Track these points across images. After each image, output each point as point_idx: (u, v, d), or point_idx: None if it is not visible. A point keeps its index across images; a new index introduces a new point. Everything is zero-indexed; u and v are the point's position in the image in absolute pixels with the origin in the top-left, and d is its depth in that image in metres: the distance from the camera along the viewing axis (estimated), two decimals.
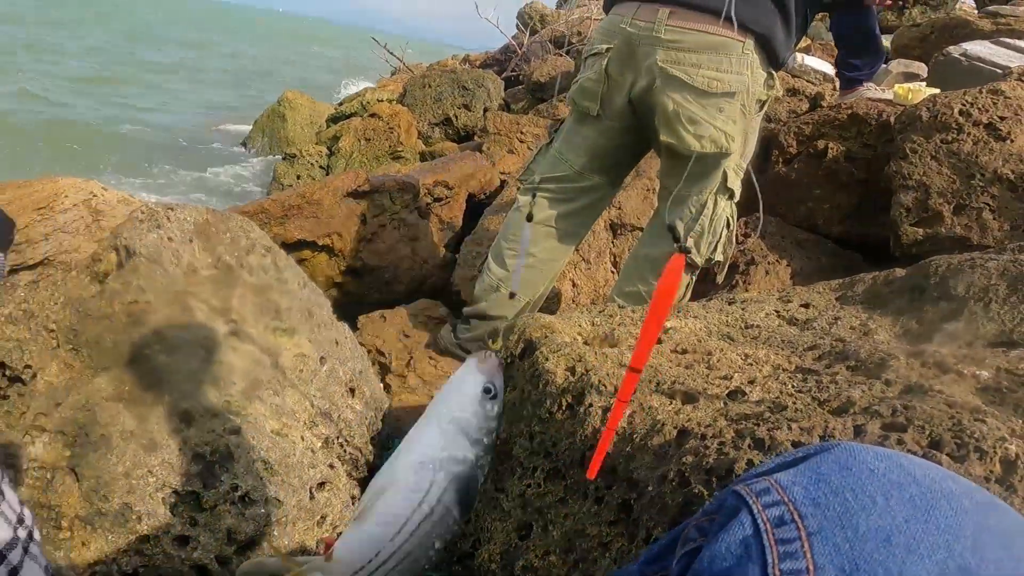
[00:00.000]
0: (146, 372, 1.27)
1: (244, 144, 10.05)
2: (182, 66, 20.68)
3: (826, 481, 0.49)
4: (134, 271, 1.36)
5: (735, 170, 2.08)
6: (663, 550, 0.59)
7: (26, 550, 0.66)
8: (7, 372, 1.28)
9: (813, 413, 0.81)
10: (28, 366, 1.28)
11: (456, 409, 0.84)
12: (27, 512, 0.70)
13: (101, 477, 1.19)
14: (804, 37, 2.84)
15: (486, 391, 0.84)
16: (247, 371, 1.41)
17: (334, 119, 8.20)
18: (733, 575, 0.48)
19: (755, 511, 0.49)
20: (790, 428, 0.76)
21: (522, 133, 5.32)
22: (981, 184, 2.25)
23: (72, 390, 1.24)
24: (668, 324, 1.41)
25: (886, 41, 5.32)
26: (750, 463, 0.73)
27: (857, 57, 3.00)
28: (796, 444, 0.73)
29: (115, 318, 1.30)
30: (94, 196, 2.12)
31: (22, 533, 0.67)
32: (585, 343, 1.29)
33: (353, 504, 1.53)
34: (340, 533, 1.46)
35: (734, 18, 1.89)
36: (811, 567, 0.45)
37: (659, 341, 1.29)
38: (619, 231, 2.92)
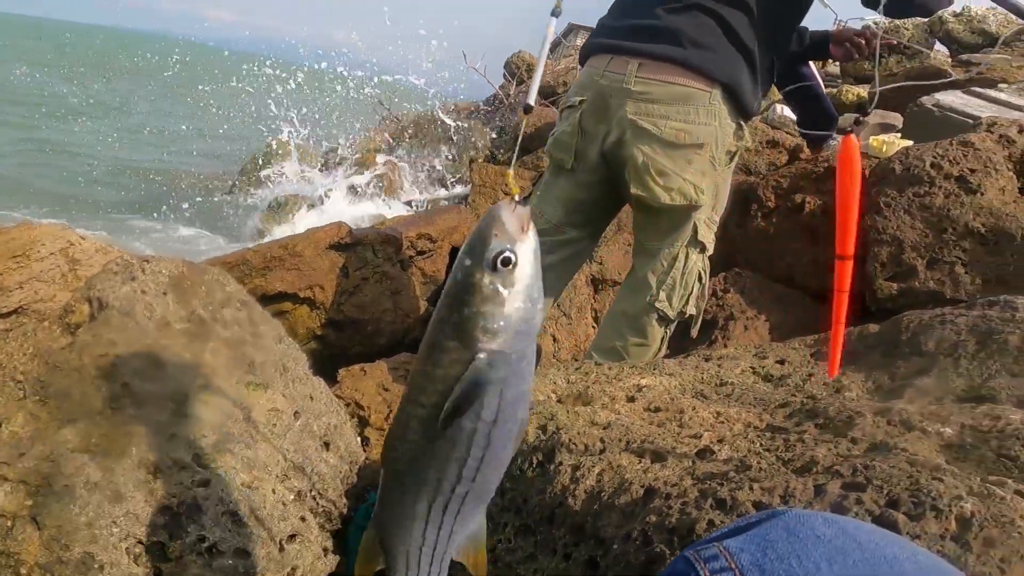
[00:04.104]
0: (114, 424, 1.26)
1: (231, 191, 10.05)
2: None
3: (773, 547, 0.50)
4: (106, 323, 1.36)
5: (706, 223, 2.08)
6: None
7: None
8: None
9: (776, 473, 0.82)
10: None
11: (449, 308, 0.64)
12: None
13: (63, 526, 1.17)
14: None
15: (502, 263, 0.62)
16: (218, 424, 1.40)
17: None
18: None
19: None
20: (752, 489, 0.76)
21: (507, 185, 5.36)
22: (953, 238, 2.27)
23: (37, 440, 1.22)
24: (643, 382, 1.41)
25: (863, 90, 5.48)
26: (711, 523, 0.73)
27: (813, 121, 3.09)
28: (757, 504, 0.73)
29: (84, 370, 1.29)
30: (71, 245, 2.10)
31: None
32: (559, 401, 1.29)
33: (325, 556, 1.50)
34: None
35: (699, 68, 1.91)
36: None
37: (631, 399, 1.29)
38: (600, 286, 2.94)
